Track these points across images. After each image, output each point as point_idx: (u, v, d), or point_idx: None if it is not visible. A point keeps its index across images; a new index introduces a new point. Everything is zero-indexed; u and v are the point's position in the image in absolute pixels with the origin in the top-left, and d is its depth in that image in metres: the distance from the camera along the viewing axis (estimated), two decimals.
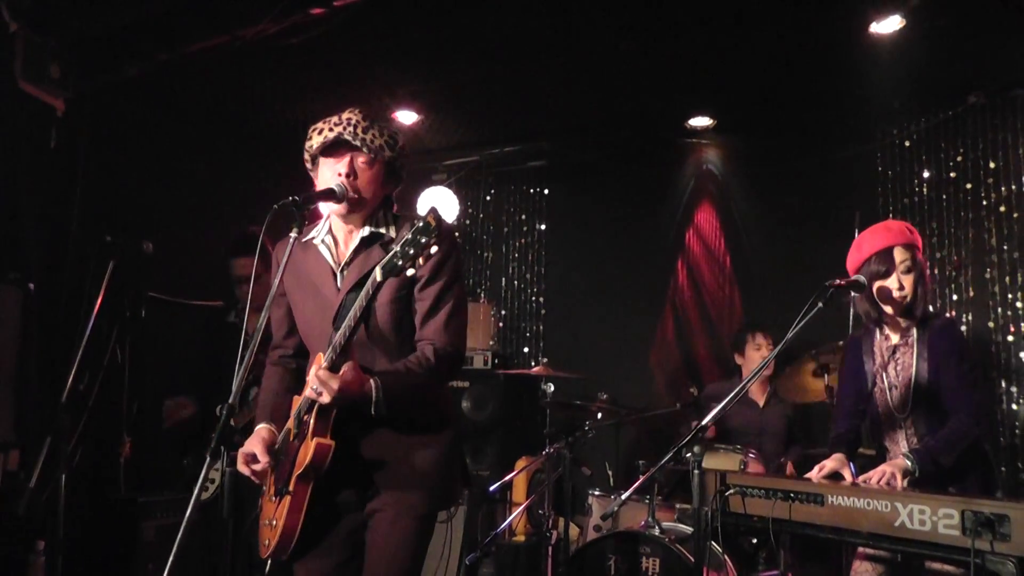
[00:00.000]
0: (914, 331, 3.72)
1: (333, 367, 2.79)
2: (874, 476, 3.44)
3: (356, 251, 3.01)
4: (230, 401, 2.57)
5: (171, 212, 6.14)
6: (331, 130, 2.94)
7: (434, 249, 2.56)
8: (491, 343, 7.51)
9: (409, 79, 6.33)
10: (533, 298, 8.10)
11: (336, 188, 2.90)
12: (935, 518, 2.84)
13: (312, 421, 2.79)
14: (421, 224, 2.51)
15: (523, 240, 8.21)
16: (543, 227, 8.18)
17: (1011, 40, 5.67)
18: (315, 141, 2.98)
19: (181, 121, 6.35)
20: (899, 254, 3.67)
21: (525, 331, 8.09)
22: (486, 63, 6.06)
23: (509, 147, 7.83)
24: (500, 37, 5.70)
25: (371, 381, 2.80)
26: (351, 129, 2.93)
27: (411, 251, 2.53)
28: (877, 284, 3.69)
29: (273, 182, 6.47)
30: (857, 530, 3.09)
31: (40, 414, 5.11)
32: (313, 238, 3.10)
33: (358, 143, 2.92)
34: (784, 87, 6.46)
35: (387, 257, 2.59)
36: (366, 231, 3.01)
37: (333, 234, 3.10)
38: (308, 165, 3.11)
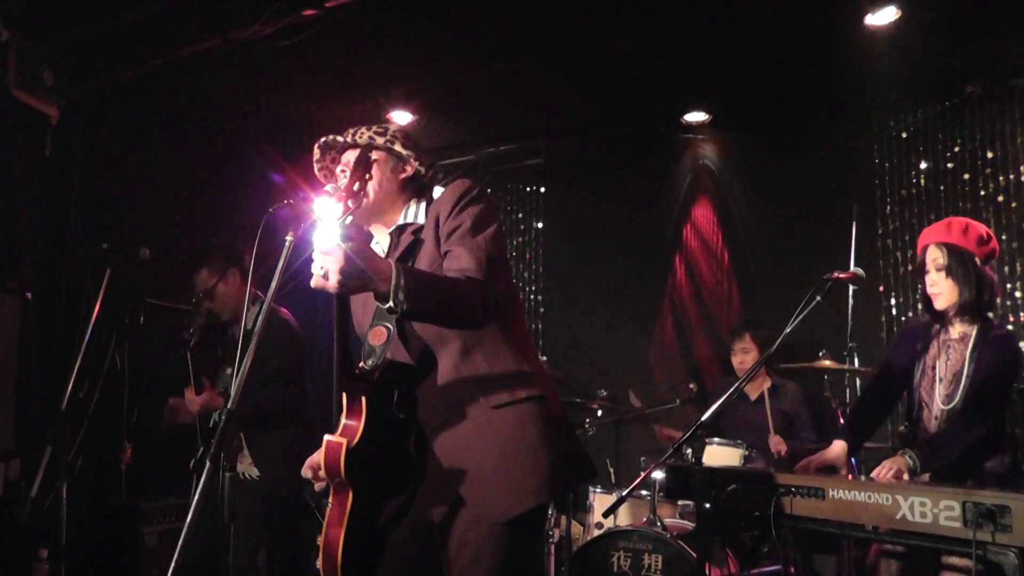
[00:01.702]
0: (974, 333, 3.74)
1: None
2: (879, 473, 3.46)
3: (391, 246, 2.89)
4: (229, 406, 2.56)
5: (167, 217, 6.13)
6: (316, 147, 2.95)
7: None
8: None
9: (403, 79, 6.33)
10: (531, 296, 8.10)
11: (329, 188, 2.88)
12: (936, 510, 2.84)
13: (341, 422, 2.55)
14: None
15: (521, 239, 8.20)
16: (540, 225, 8.17)
17: (1007, 30, 5.67)
18: (316, 156, 2.99)
19: (176, 125, 6.33)
20: (931, 252, 3.77)
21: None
22: (481, 62, 6.06)
23: (505, 146, 7.84)
24: (495, 35, 5.70)
25: (391, 261, 2.39)
26: (333, 136, 2.93)
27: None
28: (923, 280, 3.83)
29: (269, 183, 6.47)
30: (858, 524, 3.09)
31: (40, 423, 5.10)
32: None
33: (350, 139, 2.91)
34: (780, 81, 6.45)
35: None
36: (393, 226, 2.91)
37: (369, 235, 3.01)
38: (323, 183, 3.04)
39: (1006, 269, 6.13)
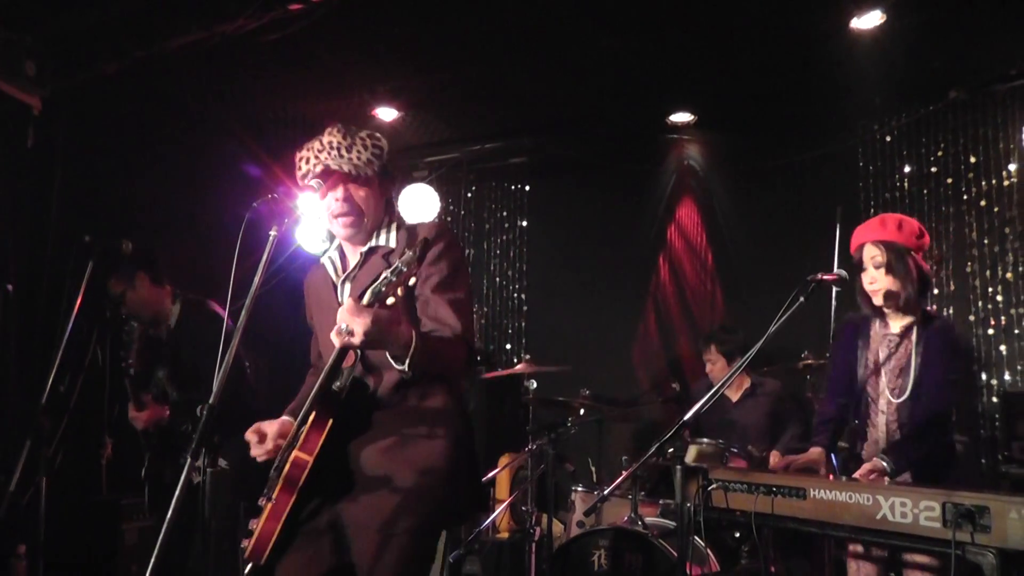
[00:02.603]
0: (915, 327, 3.77)
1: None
2: (861, 474, 3.48)
3: (358, 264, 2.97)
4: (211, 401, 2.55)
5: (150, 210, 6.10)
6: (317, 157, 2.89)
7: (412, 280, 2.52)
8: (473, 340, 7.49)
9: (389, 76, 6.32)
10: (515, 295, 8.10)
11: (312, 183, 2.88)
12: (916, 510, 2.85)
13: (305, 432, 2.71)
14: (408, 255, 2.47)
15: (505, 237, 8.20)
16: (524, 224, 8.18)
17: (991, 35, 5.71)
18: (303, 170, 2.93)
19: (159, 118, 6.31)
20: (868, 251, 3.79)
21: (507, 328, 8.09)
22: (467, 60, 6.05)
23: (490, 144, 7.83)
24: (481, 34, 5.70)
25: (412, 330, 2.59)
26: (335, 154, 2.88)
27: (394, 279, 2.47)
28: (861, 278, 3.83)
29: (252, 178, 6.45)
30: (839, 523, 3.10)
31: (20, 416, 5.08)
32: (323, 255, 3.12)
33: (347, 168, 2.88)
34: (765, 82, 6.47)
35: (376, 284, 2.52)
36: (367, 245, 2.98)
37: (341, 249, 3.08)
38: (314, 189, 3.02)
39: (987, 273, 6.17)
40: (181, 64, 5.64)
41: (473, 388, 6.98)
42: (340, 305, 2.77)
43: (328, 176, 2.91)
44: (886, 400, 3.76)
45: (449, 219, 8.35)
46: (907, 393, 3.69)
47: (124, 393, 5.12)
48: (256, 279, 2.84)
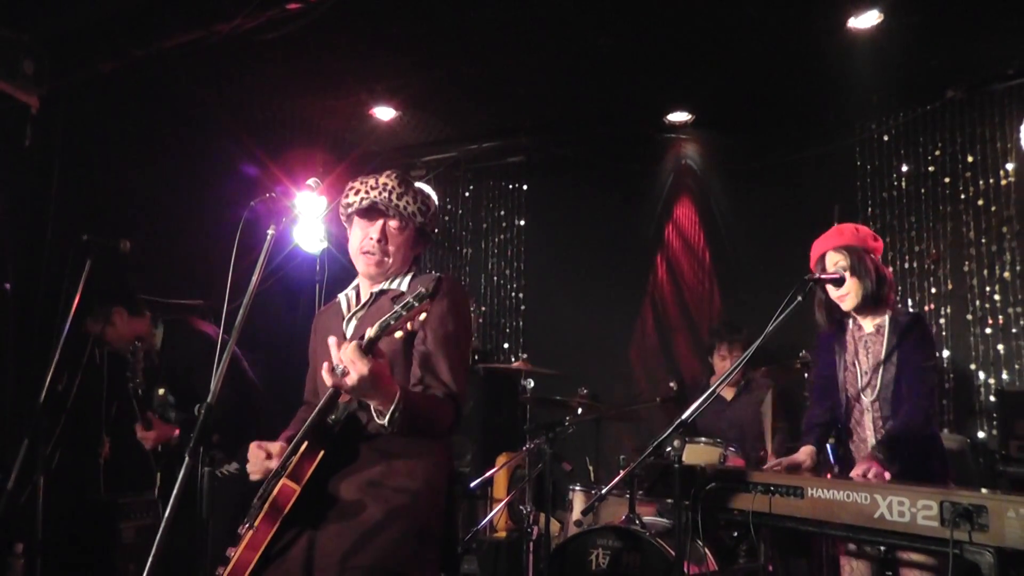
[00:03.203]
0: (886, 323, 3.84)
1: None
2: (857, 473, 3.49)
3: (366, 303, 3.04)
4: (209, 401, 2.55)
5: (148, 209, 6.09)
6: (367, 193, 2.98)
7: (423, 316, 2.58)
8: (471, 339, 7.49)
9: (387, 75, 6.32)
10: (513, 294, 8.10)
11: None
12: (914, 510, 2.86)
13: (294, 461, 2.73)
14: (420, 291, 2.54)
15: (502, 236, 8.21)
16: (522, 223, 8.18)
17: (988, 35, 5.72)
18: (351, 201, 3.02)
19: (157, 117, 6.29)
20: (831, 258, 3.88)
21: (505, 327, 8.09)
22: (464, 59, 6.05)
23: (488, 143, 7.83)
24: (478, 33, 5.70)
25: (399, 388, 2.65)
26: (386, 195, 2.97)
27: (404, 313, 2.53)
28: (826, 289, 3.92)
29: (250, 177, 6.44)
30: (837, 522, 3.10)
31: (18, 415, 5.07)
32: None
33: (391, 211, 2.97)
34: (762, 82, 6.47)
35: (385, 317, 2.57)
36: (378, 287, 3.04)
37: (358, 289, 3.15)
38: (343, 219, 3.14)
39: (985, 272, 6.18)
40: (179, 63, 5.63)
41: (471, 388, 6.97)
42: (344, 339, 2.88)
43: (372, 214, 3.00)
44: (868, 398, 3.82)
45: (447, 218, 8.36)
46: (889, 388, 3.75)
47: (122, 392, 5.11)
48: (254, 278, 2.85)
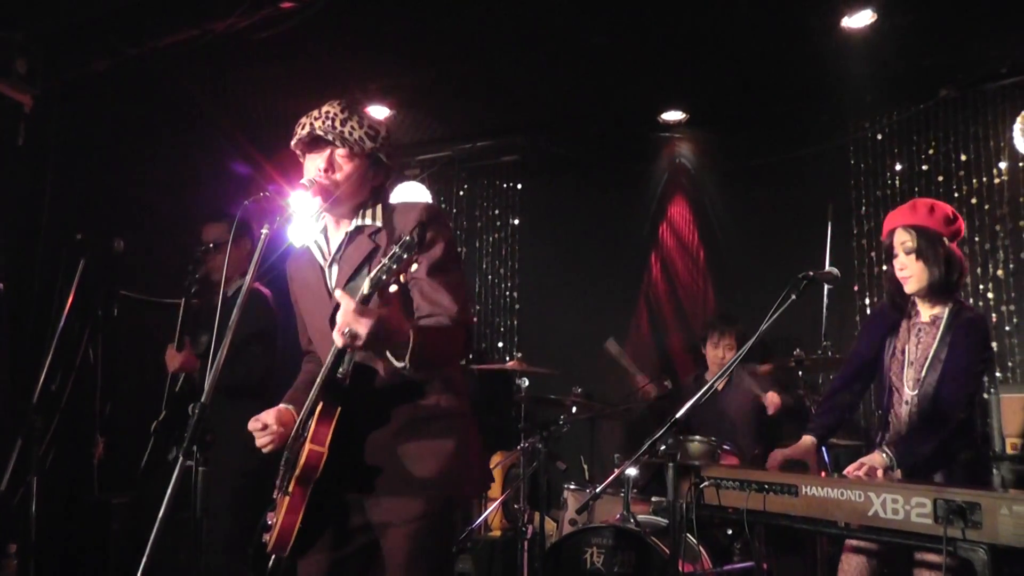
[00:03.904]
0: (946, 315, 3.69)
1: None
2: (851, 470, 3.47)
3: (342, 245, 2.95)
4: (203, 400, 2.55)
5: (141, 209, 6.09)
6: (310, 124, 2.89)
7: (415, 267, 2.54)
8: None
9: (381, 74, 6.32)
10: (507, 293, 8.10)
11: (305, 182, 2.87)
12: (908, 507, 2.86)
13: (313, 424, 2.72)
14: (406, 240, 2.45)
15: (496, 235, 8.20)
16: (516, 222, 8.17)
17: (981, 34, 5.73)
18: (296, 135, 2.93)
19: (150, 116, 6.29)
20: (899, 235, 3.70)
21: (499, 326, 8.09)
22: (459, 58, 6.05)
23: (482, 142, 7.84)
24: (473, 32, 5.70)
25: (411, 326, 2.55)
26: (328, 123, 2.87)
27: (395, 266, 2.45)
28: (891, 264, 3.76)
29: (244, 176, 6.43)
30: (831, 520, 3.11)
31: (11, 415, 5.06)
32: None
33: (332, 138, 2.87)
34: (756, 81, 6.48)
35: (375, 271, 2.49)
36: (351, 225, 2.95)
37: (326, 231, 3.04)
38: (301, 160, 3.05)
39: (978, 271, 6.19)
40: (173, 62, 5.62)
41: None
42: (329, 288, 2.90)
43: (318, 142, 2.92)
44: (909, 390, 3.69)
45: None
46: (924, 385, 3.63)
47: (116, 392, 5.12)
48: (248, 277, 2.84)
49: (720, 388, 6.02)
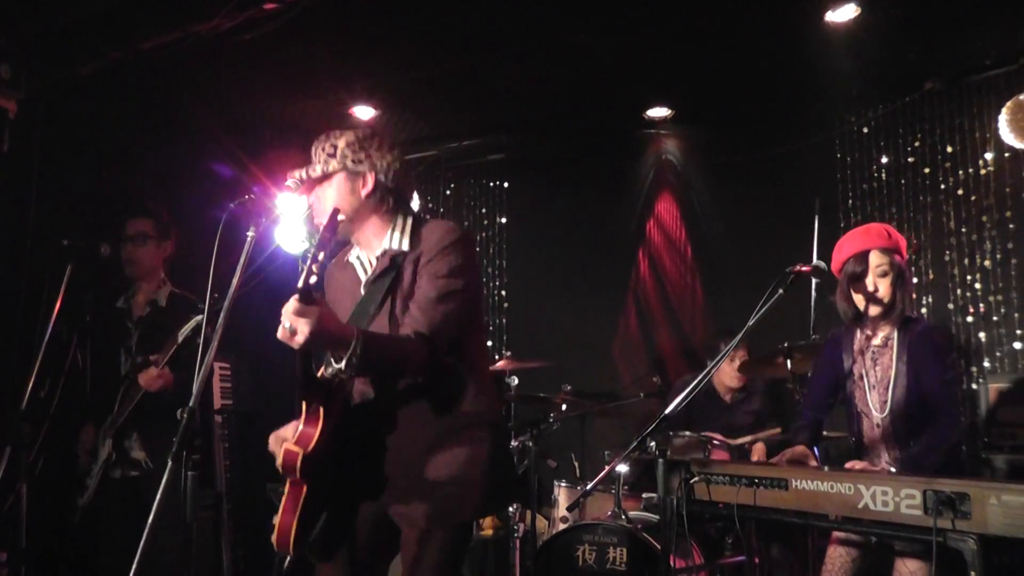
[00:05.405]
0: (895, 334, 3.76)
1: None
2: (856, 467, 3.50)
3: (375, 270, 2.96)
4: (191, 404, 2.54)
5: (128, 213, 6.05)
6: (294, 179, 2.94)
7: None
8: None
9: (365, 74, 6.30)
10: (495, 292, 8.10)
11: (290, 183, 2.89)
12: (897, 499, 2.87)
13: (300, 426, 2.73)
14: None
15: (484, 234, 8.19)
16: (504, 220, 8.17)
17: (965, 27, 5.74)
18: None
19: (136, 120, 6.25)
20: (875, 258, 3.75)
21: (488, 325, 8.08)
22: (443, 57, 6.04)
23: (468, 141, 7.82)
24: (457, 30, 5.69)
25: (353, 327, 2.59)
26: (301, 173, 2.92)
27: (311, 267, 2.43)
28: (854, 286, 3.79)
29: (229, 179, 6.41)
30: (822, 513, 3.12)
31: None
32: (348, 256, 3.12)
33: (310, 173, 2.92)
34: (741, 76, 6.48)
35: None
36: (379, 249, 2.96)
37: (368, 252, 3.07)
38: None
39: (966, 261, 6.22)
40: (157, 64, 5.59)
41: None
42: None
43: (306, 186, 2.96)
44: (878, 413, 3.74)
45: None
46: (901, 405, 3.67)
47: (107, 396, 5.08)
48: (234, 281, 2.83)
49: (729, 402, 6.03)
